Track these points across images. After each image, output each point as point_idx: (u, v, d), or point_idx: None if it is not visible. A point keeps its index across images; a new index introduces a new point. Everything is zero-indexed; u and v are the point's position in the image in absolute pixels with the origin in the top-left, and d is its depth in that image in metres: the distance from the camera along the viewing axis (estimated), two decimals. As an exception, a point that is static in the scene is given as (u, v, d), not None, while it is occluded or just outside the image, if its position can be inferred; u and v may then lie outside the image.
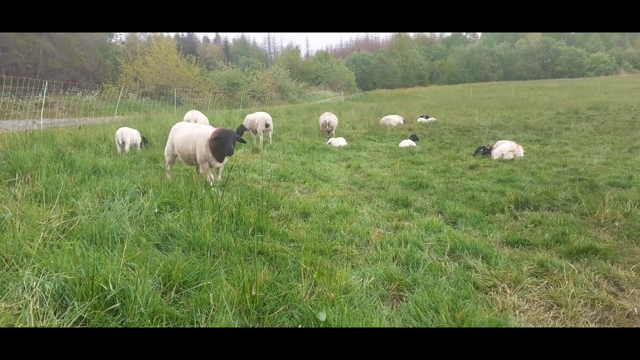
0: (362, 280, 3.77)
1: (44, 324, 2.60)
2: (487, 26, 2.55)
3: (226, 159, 7.17)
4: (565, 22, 2.46)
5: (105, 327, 2.67)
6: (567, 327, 3.06)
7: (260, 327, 2.94)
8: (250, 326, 2.89)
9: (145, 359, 2.01)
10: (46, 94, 17.77)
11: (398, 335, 2.22)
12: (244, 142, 7.44)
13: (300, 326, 2.91)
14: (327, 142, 13.99)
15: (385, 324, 3.04)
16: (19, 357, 1.95)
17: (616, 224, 5.33)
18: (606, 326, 3.22)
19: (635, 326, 3.19)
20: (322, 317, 2.98)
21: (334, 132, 15.90)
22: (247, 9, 2.54)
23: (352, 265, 4.18)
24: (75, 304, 2.81)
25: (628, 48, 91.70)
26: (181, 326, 2.82)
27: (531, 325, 3.18)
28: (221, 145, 6.71)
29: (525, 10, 2.47)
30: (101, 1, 2.46)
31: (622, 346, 1.95)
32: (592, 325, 3.21)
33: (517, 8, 2.47)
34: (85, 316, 2.75)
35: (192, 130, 7.32)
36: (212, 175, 7.05)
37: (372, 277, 3.82)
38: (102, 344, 2.06)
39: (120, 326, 2.72)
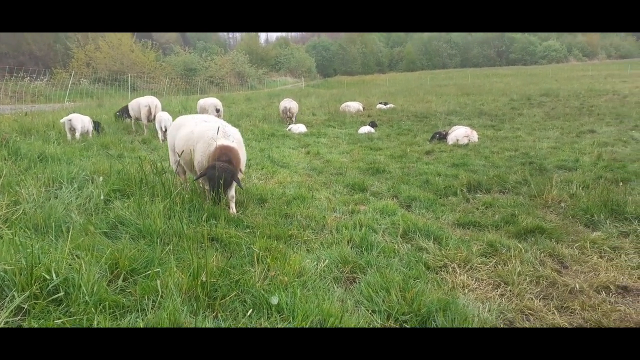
0: (317, 264, 3.78)
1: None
2: (467, 26, 2.55)
3: (232, 190, 5.21)
4: (551, 21, 2.48)
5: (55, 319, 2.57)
6: (567, 327, 3.10)
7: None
8: (201, 312, 2.84)
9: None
10: (-10, 79, 16.86)
11: (394, 336, 2.22)
12: (240, 185, 5.06)
13: (251, 310, 2.89)
14: (287, 129, 13.91)
15: (337, 305, 3.06)
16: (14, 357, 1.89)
17: (562, 204, 5.55)
18: (550, 302, 3.34)
19: (576, 301, 3.32)
20: (274, 301, 2.97)
21: (294, 119, 15.83)
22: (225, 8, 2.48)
23: (308, 249, 4.19)
24: (15, 294, 2.68)
25: (577, 37, 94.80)
26: (128, 314, 2.75)
27: (479, 304, 3.26)
28: (208, 181, 4.96)
29: (510, 9, 2.47)
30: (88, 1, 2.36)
31: (621, 346, 1.98)
32: (536, 302, 3.32)
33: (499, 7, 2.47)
34: (25, 306, 2.64)
35: (196, 126, 5.36)
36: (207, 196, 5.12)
37: (327, 260, 3.83)
38: (90, 344, 2.00)
39: (64, 315, 2.62)
